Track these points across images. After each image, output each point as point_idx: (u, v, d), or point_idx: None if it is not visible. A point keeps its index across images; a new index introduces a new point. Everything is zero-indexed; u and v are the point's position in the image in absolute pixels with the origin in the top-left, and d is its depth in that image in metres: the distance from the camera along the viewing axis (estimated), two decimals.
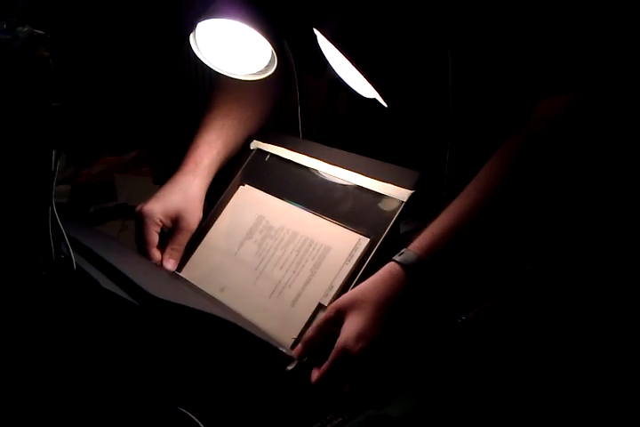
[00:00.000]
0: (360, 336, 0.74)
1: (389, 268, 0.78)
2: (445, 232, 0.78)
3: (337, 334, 0.76)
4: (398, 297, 0.76)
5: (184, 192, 1.02)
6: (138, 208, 1.00)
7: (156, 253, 0.98)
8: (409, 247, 0.79)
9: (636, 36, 0.84)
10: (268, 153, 1.05)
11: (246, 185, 1.04)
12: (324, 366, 0.75)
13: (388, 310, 0.76)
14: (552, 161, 0.82)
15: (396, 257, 0.78)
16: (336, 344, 0.75)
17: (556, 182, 0.83)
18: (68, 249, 0.76)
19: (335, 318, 0.77)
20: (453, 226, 0.79)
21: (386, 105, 0.82)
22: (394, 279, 0.77)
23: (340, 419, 0.75)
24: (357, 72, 0.78)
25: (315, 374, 0.76)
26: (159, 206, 0.99)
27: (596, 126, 0.83)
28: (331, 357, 0.75)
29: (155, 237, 0.98)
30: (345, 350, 0.73)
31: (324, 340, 0.78)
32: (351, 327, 0.75)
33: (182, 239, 1.00)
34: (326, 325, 0.78)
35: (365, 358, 0.74)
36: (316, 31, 0.81)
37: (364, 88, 0.85)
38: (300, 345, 0.79)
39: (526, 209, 0.82)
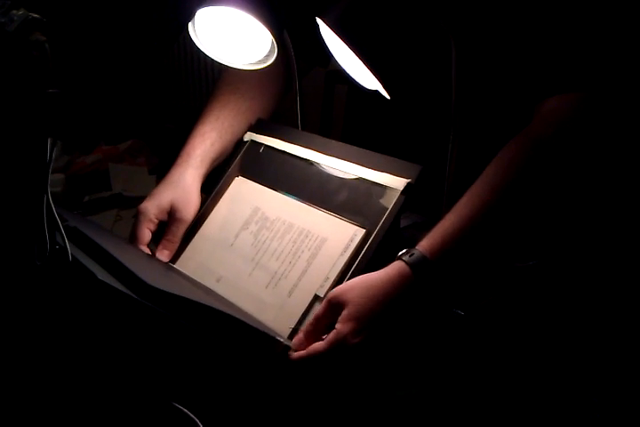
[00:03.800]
0: (359, 332, 0.73)
1: (398, 268, 0.76)
2: (454, 234, 0.77)
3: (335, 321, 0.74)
4: (402, 296, 0.76)
5: (176, 184, 0.99)
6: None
7: (145, 250, 0.95)
8: (418, 248, 0.77)
9: (636, 36, 0.82)
10: (262, 144, 1.02)
11: (240, 177, 1.01)
12: (319, 346, 0.73)
13: (391, 308, 0.75)
14: (559, 161, 0.80)
15: (406, 257, 0.76)
16: (335, 333, 0.73)
17: (562, 181, 0.81)
18: (64, 240, 0.73)
19: (335, 307, 0.75)
20: (462, 227, 0.77)
21: (388, 97, 0.80)
22: (402, 280, 0.76)
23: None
24: (360, 62, 0.75)
25: (303, 352, 0.74)
26: (152, 202, 0.97)
27: (603, 126, 0.81)
28: (326, 343, 0.73)
29: (145, 235, 0.96)
30: (342, 341, 0.72)
31: (324, 329, 0.76)
32: (352, 322, 0.73)
33: (177, 230, 0.97)
34: (327, 313, 0.76)
35: (360, 350, 0.73)
36: (318, 20, 0.78)
37: (367, 79, 0.81)
38: (302, 336, 0.77)
39: (532, 208, 0.81)
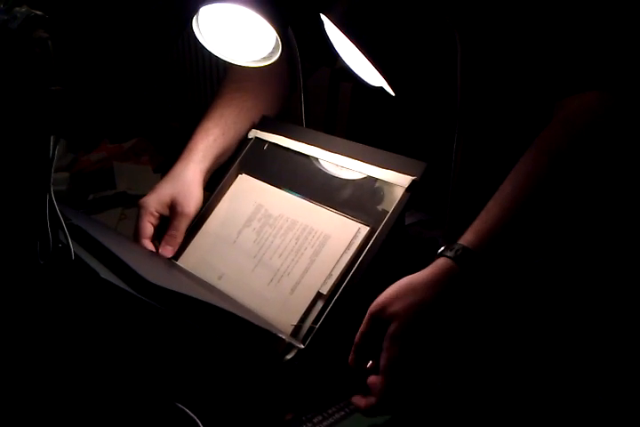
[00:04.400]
0: (413, 351, 0.67)
1: (445, 266, 0.71)
2: (497, 226, 0.73)
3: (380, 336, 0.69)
4: (452, 296, 0.70)
5: (177, 178, 0.99)
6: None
7: (148, 245, 0.95)
8: (461, 242, 0.72)
9: None
10: (266, 142, 1.02)
11: (244, 174, 1.01)
12: (380, 385, 0.67)
13: (443, 309, 0.69)
14: (595, 154, 0.78)
15: (449, 253, 0.71)
16: (388, 359, 0.67)
17: (592, 175, 0.79)
18: (67, 238, 0.73)
19: (380, 322, 0.69)
20: (504, 219, 0.74)
21: (393, 94, 0.80)
22: (451, 279, 0.70)
23: (343, 413, 0.73)
24: (365, 59, 0.75)
25: (372, 399, 0.67)
26: (153, 196, 0.97)
27: (632, 124, 0.80)
28: (385, 375, 0.67)
29: (148, 228, 0.95)
30: (401, 363, 0.67)
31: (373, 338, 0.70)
32: (404, 339, 0.67)
33: (179, 225, 0.96)
34: (372, 329, 0.70)
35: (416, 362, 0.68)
36: (322, 16, 0.78)
37: (372, 76, 0.81)
38: (352, 353, 0.72)
39: (564, 200, 0.78)
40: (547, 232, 0.82)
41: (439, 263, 0.72)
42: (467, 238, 0.73)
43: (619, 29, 0.80)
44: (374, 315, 0.70)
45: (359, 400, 0.69)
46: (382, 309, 0.70)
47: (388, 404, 0.68)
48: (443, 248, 0.73)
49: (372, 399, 0.68)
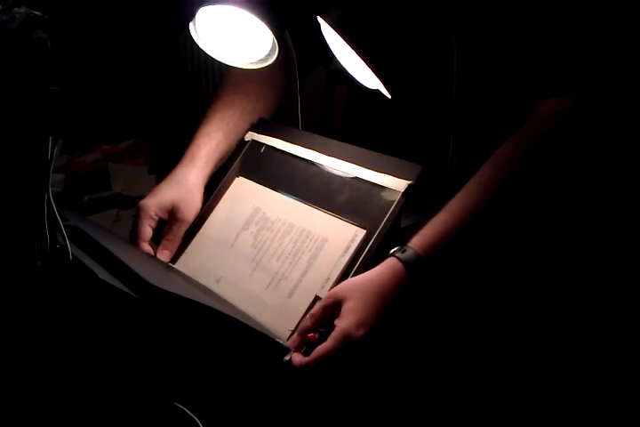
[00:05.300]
0: (362, 324, 0.73)
1: (392, 264, 0.78)
2: (447, 231, 0.78)
3: (331, 322, 0.75)
4: (397, 292, 0.77)
5: (179, 184, 0.99)
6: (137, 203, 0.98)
7: (146, 247, 0.95)
8: (411, 244, 0.78)
9: (635, 39, 0.83)
10: (263, 144, 1.02)
11: (241, 177, 1.01)
12: (326, 346, 0.72)
13: (388, 302, 0.76)
14: (554, 162, 0.81)
15: (399, 254, 0.78)
16: (338, 329, 0.73)
17: (557, 182, 0.82)
18: (64, 239, 0.73)
19: (333, 306, 0.76)
20: (454, 225, 0.79)
21: (389, 96, 0.80)
22: (396, 276, 0.77)
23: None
24: (361, 61, 0.75)
25: (309, 358, 0.73)
26: (153, 200, 0.96)
27: (599, 129, 0.82)
28: (333, 339, 0.72)
29: (146, 231, 0.95)
30: (347, 336, 0.72)
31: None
32: (353, 315, 0.74)
33: (177, 230, 0.97)
34: (324, 312, 0.76)
35: (363, 345, 0.73)
36: (319, 19, 0.78)
37: (368, 78, 0.81)
38: (296, 335, 0.77)
39: (527, 208, 0.83)
40: (540, 235, 0.83)
41: (387, 262, 0.79)
42: (415, 242, 0.79)
43: (593, 38, 0.82)
44: (328, 300, 0.77)
45: (295, 355, 0.74)
46: (334, 294, 0.77)
47: (316, 365, 0.72)
48: (395, 249, 0.79)
49: (308, 359, 0.73)
